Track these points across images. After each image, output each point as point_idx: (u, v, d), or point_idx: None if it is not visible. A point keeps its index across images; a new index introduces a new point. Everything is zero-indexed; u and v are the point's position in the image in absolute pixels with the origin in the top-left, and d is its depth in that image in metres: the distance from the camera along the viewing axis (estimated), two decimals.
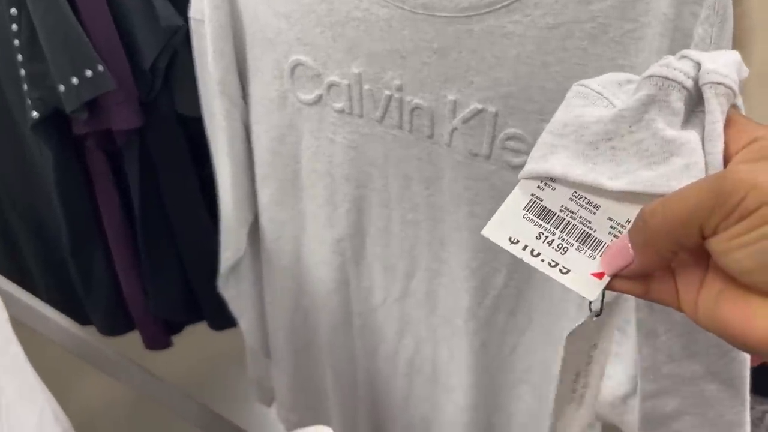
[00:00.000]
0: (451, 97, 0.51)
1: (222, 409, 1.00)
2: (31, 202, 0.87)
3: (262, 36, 0.59)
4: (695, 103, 0.35)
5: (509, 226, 0.37)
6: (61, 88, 0.69)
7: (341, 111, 0.57)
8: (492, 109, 0.50)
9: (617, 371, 0.71)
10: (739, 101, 0.36)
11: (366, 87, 0.54)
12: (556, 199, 0.37)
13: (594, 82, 0.38)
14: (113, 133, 0.77)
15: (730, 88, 0.34)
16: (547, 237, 0.36)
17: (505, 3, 0.46)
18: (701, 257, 0.32)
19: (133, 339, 0.93)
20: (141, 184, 0.81)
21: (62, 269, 0.89)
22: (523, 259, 0.36)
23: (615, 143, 0.35)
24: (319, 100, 0.58)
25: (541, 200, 0.37)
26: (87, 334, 0.91)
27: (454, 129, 0.52)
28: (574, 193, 0.37)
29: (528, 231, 0.36)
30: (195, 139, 0.78)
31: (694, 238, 0.30)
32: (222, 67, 0.62)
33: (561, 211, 0.37)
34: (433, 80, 0.51)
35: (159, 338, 0.94)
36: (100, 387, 1.26)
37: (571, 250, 0.36)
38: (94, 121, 0.74)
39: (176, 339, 0.95)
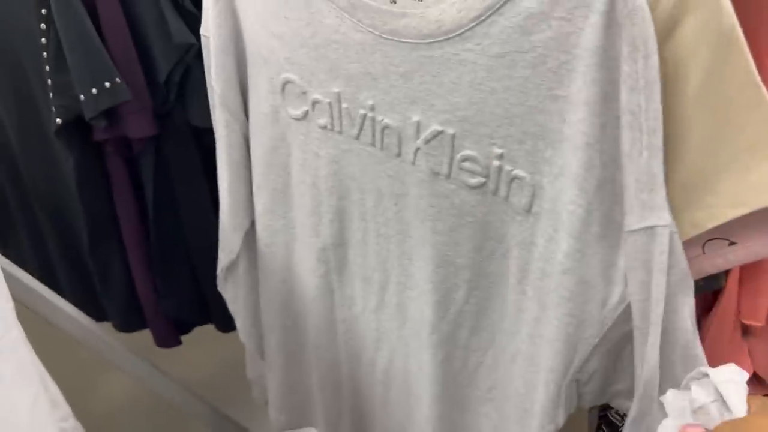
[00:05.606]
0: (415, 118, 0.54)
1: (228, 409, 1.04)
2: (57, 203, 0.92)
3: (258, 54, 0.63)
4: None
5: None
6: (82, 97, 0.75)
7: (324, 127, 0.61)
8: (450, 131, 0.53)
9: None
10: None
11: (344, 105, 0.58)
12: None
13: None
14: (131, 140, 0.83)
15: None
16: None
17: (459, 32, 0.49)
18: None
19: (145, 336, 0.98)
20: (155, 190, 0.86)
21: (83, 267, 0.94)
22: None
23: None
24: (305, 115, 0.62)
25: None
26: (101, 330, 0.97)
27: (418, 149, 0.55)
28: None
29: None
30: (208, 150, 0.82)
31: None
32: (222, 80, 0.66)
33: None
34: (400, 101, 0.55)
35: (169, 337, 0.98)
36: (115, 385, 1.31)
37: None
38: (112, 129, 0.80)
39: (185, 339, 0.99)
